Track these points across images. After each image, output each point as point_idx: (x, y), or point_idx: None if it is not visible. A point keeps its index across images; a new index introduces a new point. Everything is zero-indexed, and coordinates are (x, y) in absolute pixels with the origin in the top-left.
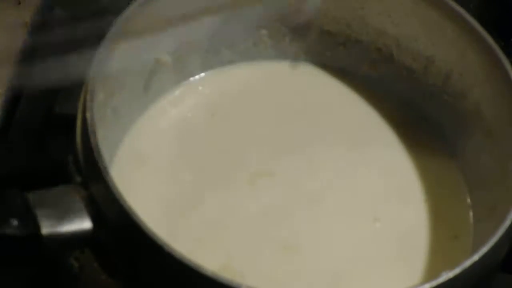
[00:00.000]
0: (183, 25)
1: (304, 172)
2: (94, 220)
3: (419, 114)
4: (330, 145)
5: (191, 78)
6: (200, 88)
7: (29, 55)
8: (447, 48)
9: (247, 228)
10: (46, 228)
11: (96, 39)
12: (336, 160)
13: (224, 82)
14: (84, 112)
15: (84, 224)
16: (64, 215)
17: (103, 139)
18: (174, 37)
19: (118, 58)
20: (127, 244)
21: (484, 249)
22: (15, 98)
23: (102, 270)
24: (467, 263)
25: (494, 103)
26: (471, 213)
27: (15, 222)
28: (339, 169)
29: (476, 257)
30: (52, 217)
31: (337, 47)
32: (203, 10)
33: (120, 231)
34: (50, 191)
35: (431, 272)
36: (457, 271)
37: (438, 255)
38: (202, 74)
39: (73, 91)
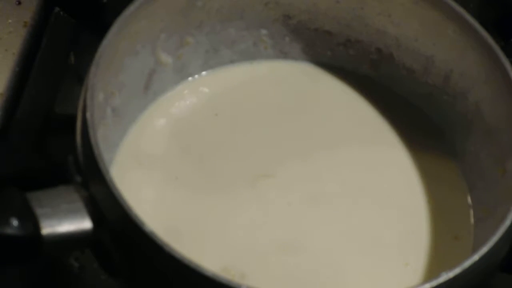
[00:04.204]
0: (183, 25)
1: (304, 172)
2: (94, 220)
3: (419, 114)
4: (330, 146)
5: (191, 78)
6: (200, 88)
7: (29, 56)
8: (447, 48)
9: (248, 229)
10: (46, 228)
11: (96, 39)
12: (336, 160)
13: (224, 82)
14: (84, 112)
15: (84, 224)
16: (64, 215)
17: (103, 139)
18: (174, 37)
19: (118, 58)
20: (127, 244)
21: (484, 249)
22: (15, 98)
23: (102, 270)
24: (467, 263)
25: (494, 103)
26: (471, 213)
27: (15, 222)
28: (339, 169)
29: (476, 257)
30: (52, 217)
31: (337, 47)
32: (203, 9)
33: (120, 231)
34: (50, 191)
35: (431, 272)
36: (457, 271)
37: (438, 255)
38: (202, 74)
39: (73, 91)
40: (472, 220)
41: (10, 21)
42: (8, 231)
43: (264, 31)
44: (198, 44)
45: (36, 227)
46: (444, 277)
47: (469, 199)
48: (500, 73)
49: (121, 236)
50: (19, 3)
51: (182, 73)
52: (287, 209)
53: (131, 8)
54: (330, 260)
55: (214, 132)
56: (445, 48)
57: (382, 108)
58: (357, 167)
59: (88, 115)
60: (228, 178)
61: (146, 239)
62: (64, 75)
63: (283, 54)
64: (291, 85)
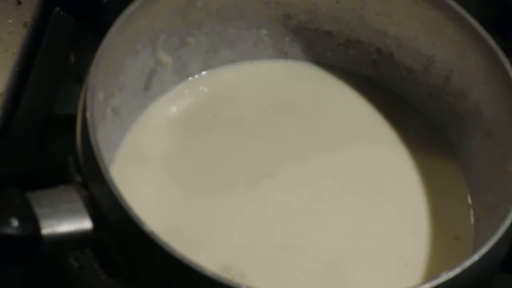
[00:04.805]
0: (183, 25)
1: (304, 172)
2: (94, 220)
3: (419, 114)
4: (330, 146)
5: (191, 78)
6: (200, 88)
7: (29, 56)
8: (447, 48)
9: (247, 229)
10: (46, 228)
11: (96, 39)
12: (336, 160)
13: (224, 82)
14: (84, 112)
15: (84, 224)
16: (64, 215)
17: (103, 139)
18: (174, 37)
19: (118, 58)
20: (127, 244)
21: (484, 249)
22: (15, 98)
23: (102, 270)
24: (467, 263)
25: (494, 103)
26: (471, 213)
27: (15, 222)
28: (339, 170)
29: (476, 257)
30: (52, 217)
31: (337, 47)
32: (203, 9)
33: (120, 231)
34: (50, 191)
35: (431, 272)
36: (457, 271)
37: (438, 255)
38: (202, 74)
39: (73, 91)
40: (472, 220)
41: (10, 21)
42: (8, 231)
43: (264, 31)
44: (198, 44)
45: (36, 227)
46: (444, 277)
47: (469, 199)
48: (500, 73)
49: (121, 236)
50: (19, 3)
51: (182, 73)
52: (287, 209)
53: (131, 8)
54: (330, 260)
55: (214, 132)
56: (445, 48)
57: (382, 108)
58: (357, 167)
59: (88, 115)
60: (228, 178)
61: (146, 239)
62: (64, 75)
63: (283, 54)
64: (291, 85)
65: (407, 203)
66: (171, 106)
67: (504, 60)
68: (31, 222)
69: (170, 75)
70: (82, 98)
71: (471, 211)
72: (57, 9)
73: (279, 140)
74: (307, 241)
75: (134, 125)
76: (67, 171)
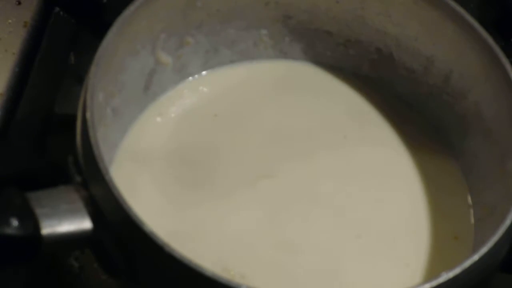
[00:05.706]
0: (183, 25)
1: (304, 173)
2: (94, 220)
3: (419, 114)
4: (331, 146)
5: (191, 78)
6: (200, 88)
7: (29, 56)
8: (447, 48)
9: (248, 229)
10: (46, 228)
11: (96, 39)
12: (336, 160)
13: (224, 82)
14: (84, 112)
15: (84, 224)
16: (64, 215)
17: (103, 139)
18: (174, 37)
19: (118, 58)
20: (127, 244)
21: (484, 249)
22: (15, 98)
23: (102, 270)
24: (467, 263)
25: (494, 103)
26: (471, 213)
27: (15, 222)
28: (340, 170)
29: (476, 257)
30: (52, 217)
31: (337, 47)
32: (203, 9)
33: (120, 231)
34: (50, 191)
35: (431, 272)
36: (457, 271)
37: (438, 255)
38: (202, 74)
39: (73, 91)
40: (472, 220)
41: (10, 21)
42: (8, 231)
43: (264, 31)
44: (198, 44)
45: (36, 227)
46: (444, 277)
47: (469, 199)
48: (500, 73)
49: (121, 236)
50: (19, 3)
51: (182, 73)
52: (287, 209)
53: (131, 8)
54: (330, 260)
55: (214, 132)
56: (445, 48)
57: (382, 108)
58: (357, 167)
59: (88, 115)
60: (228, 178)
61: (146, 239)
62: (64, 75)
63: (283, 54)
64: (291, 85)
65: (407, 203)
66: (171, 106)
67: (504, 60)
68: (31, 222)
69: (170, 75)
70: (82, 98)
71: (471, 211)
72: (57, 9)
73: (279, 140)
74: (307, 241)
75: (134, 125)
76: (67, 171)
